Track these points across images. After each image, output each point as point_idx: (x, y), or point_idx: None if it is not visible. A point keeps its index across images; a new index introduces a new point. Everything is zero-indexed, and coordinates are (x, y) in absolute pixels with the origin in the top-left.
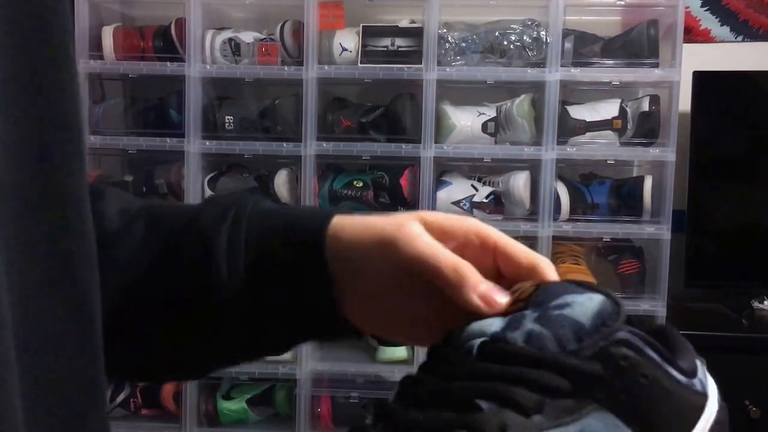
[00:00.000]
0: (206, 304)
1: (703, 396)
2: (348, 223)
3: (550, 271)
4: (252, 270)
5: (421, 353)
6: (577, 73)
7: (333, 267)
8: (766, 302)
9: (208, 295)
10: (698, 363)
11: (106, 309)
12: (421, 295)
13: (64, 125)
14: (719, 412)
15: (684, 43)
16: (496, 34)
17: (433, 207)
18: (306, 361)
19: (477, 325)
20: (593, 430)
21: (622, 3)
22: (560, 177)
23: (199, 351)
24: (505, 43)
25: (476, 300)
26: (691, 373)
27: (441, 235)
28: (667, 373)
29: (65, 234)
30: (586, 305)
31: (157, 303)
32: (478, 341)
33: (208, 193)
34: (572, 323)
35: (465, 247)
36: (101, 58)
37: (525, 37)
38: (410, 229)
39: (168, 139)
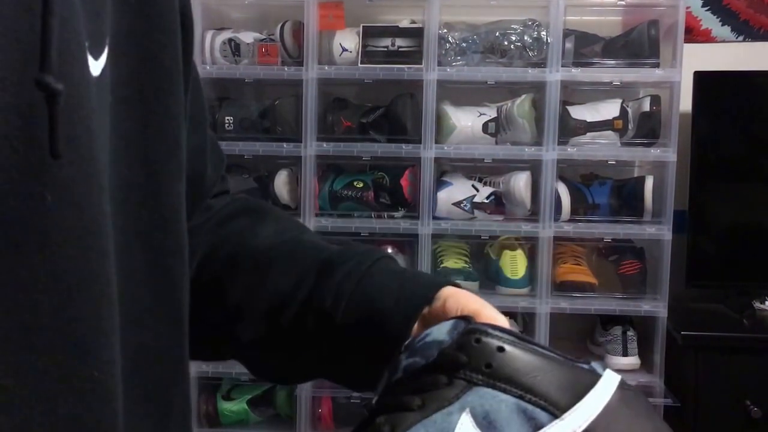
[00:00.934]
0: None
1: (594, 374)
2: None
3: None
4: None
5: None
6: (578, 74)
7: None
8: (767, 302)
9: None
10: (592, 361)
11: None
12: None
13: (166, 140)
14: (627, 388)
15: (685, 43)
16: (497, 34)
17: (433, 207)
18: None
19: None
20: (472, 404)
21: (623, 3)
22: (561, 177)
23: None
24: (506, 43)
25: None
26: (569, 359)
27: None
28: (530, 348)
29: (161, 230)
30: (441, 328)
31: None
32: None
33: None
34: (435, 343)
35: None
36: None
37: (526, 37)
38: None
39: None
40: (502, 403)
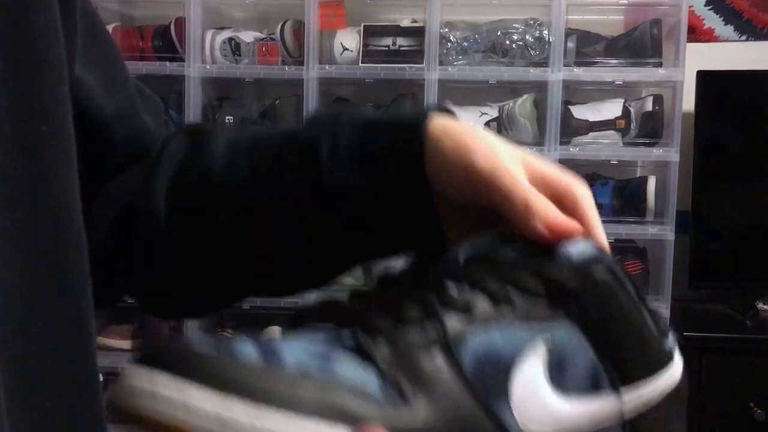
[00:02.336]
0: (316, 207)
1: (669, 357)
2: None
3: (585, 201)
4: (357, 169)
5: None
6: (580, 73)
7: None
8: None
9: (316, 196)
10: (671, 333)
11: (226, 246)
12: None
13: (47, 118)
14: (681, 382)
15: (688, 42)
16: (498, 33)
17: None
18: None
19: (468, 242)
20: (557, 338)
21: (625, 2)
22: None
23: (314, 262)
24: (508, 42)
25: (541, 229)
26: (664, 331)
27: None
28: (640, 311)
29: (51, 226)
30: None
31: (270, 222)
32: (463, 251)
33: None
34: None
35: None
36: None
37: (527, 37)
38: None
39: None
40: (582, 353)
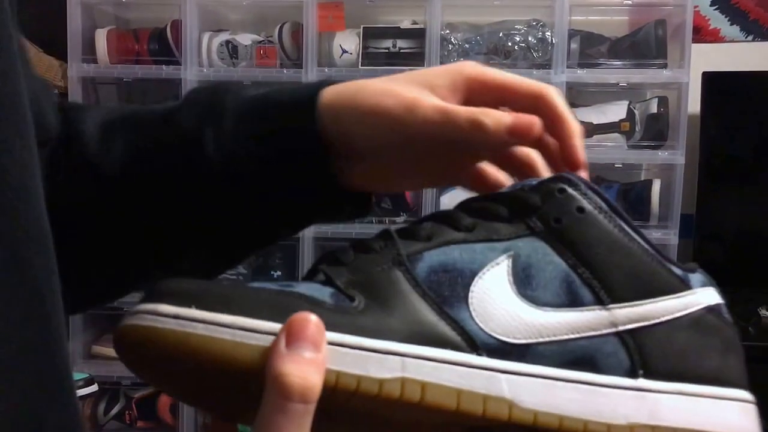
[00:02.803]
0: (201, 190)
1: (684, 285)
2: (342, 92)
3: (556, 99)
4: (243, 148)
5: None
6: (584, 75)
7: (330, 132)
8: None
9: (201, 179)
10: (699, 272)
11: (102, 232)
12: (424, 150)
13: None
14: (708, 316)
15: (693, 43)
16: (500, 34)
17: None
18: None
19: None
20: (520, 251)
21: (629, 2)
22: None
23: (208, 247)
24: (510, 44)
25: (502, 135)
26: (670, 260)
27: (446, 94)
28: (617, 221)
29: (10, 219)
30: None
31: (150, 207)
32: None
33: None
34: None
35: (469, 99)
36: (95, 61)
37: (530, 38)
38: (414, 95)
39: None
40: (550, 265)
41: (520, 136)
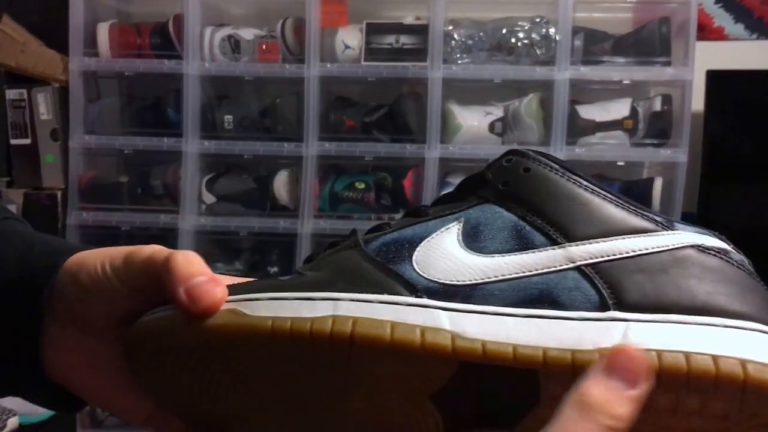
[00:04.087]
0: None
1: (663, 227)
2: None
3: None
4: None
5: None
6: (587, 72)
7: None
8: None
9: None
10: (706, 231)
11: None
12: None
13: None
14: (700, 254)
15: (697, 41)
16: (504, 31)
17: None
18: None
19: None
20: (470, 216)
21: (634, 0)
22: None
23: None
24: (513, 40)
25: (181, 294)
26: (640, 207)
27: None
28: (567, 175)
29: None
30: None
31: None
32: None
33: (206, 194)
34: None
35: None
36: (96, 55)
37: (533, 35)
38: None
39: (165, 139)
40: (499, 219)
41: (191, 299)
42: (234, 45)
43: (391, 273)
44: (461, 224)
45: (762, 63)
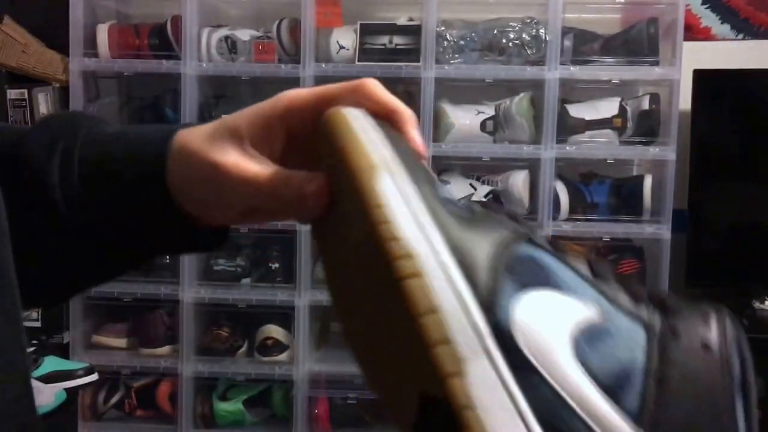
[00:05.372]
0: (46, 230)
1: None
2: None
3: (376, 90)
4: (89, 192)
5: None
6: (577, 72)
7: (177, 176)
8: (767, 302)
9: (46, 223)
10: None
11: None
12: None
13: None
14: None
15: (684, 41)
16: (495, 32)
17: None
18: (303, 362)
19: None
20: (612, 318)
21: (622, 1)
22: (560, 176)
23: (54, 274)
24: (504, 41)
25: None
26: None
27: (262, 139)
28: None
29: None
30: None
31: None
32: None
33: None
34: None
35: (291, 124)
36: (96, 56)
37: (524, 35)
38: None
39: None
40: (629, 345)
41: (315, 197)
42: (231, 45)
43: (487, 305)
44: (596, 311)
45: (748, 62)
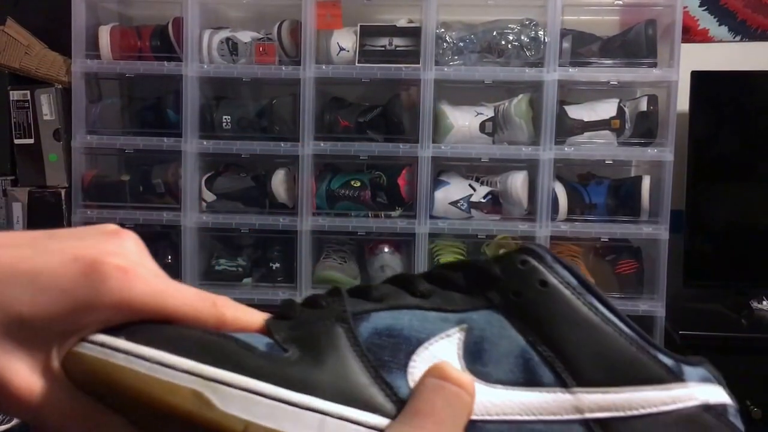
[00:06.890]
0: None
1: (674, 377)
2: None
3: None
4: None
5: None
6: (575, 73)
7: None
8: (764, 302)
9: None
10: (704, 367)
11: None
12: None
13: None
14: (704, 414)
15: (682, 42)
16: (494, 33)
17: (430, 207)
18: None
19: None
20: (474, 324)
21: (620, 3)
22: (558, 177)
23: None
24: (503, 42)
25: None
26: (656, 345)
27: None
28: (586, 298)
29: None
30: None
31: None
32: None
33: (206, 192)
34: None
35: None
36: (98, 57)
37: (523, 37)
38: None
39: (165, 139)
40: (506, 339)
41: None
42: (232, 47)
43: (384, 385)
44: (463, 334)
45: (745, 64)
